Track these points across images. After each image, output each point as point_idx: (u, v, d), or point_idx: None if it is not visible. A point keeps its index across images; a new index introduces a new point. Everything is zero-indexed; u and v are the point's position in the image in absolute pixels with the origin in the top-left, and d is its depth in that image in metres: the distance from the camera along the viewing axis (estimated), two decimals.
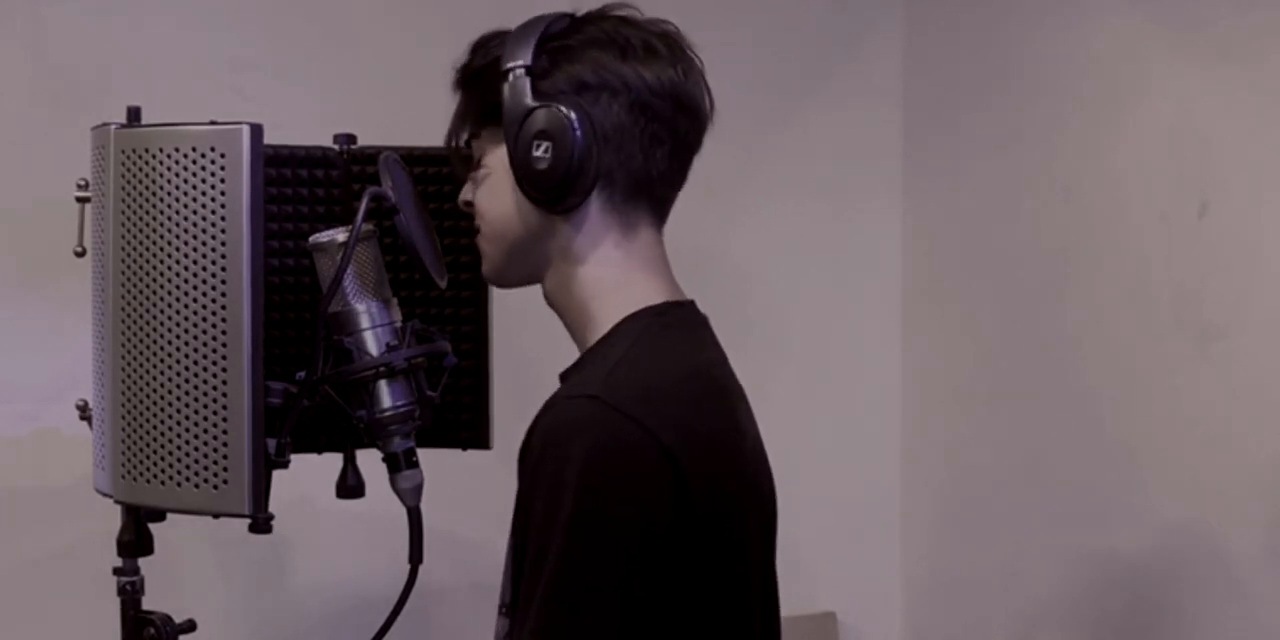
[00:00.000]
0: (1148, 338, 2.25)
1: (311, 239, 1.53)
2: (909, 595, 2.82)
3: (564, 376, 1.45)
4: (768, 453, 1.50)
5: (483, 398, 1.71)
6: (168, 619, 1.57)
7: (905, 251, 2.79)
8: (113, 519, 1.58)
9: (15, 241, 2.18)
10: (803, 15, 2.73)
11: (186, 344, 1.41)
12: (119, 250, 1.44)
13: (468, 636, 2.38)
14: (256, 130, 1.41)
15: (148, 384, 1.43)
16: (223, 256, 1.40)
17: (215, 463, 1.41)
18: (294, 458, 1.49)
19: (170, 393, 1.42)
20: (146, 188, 1.42)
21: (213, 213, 1.40)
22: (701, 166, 1.51)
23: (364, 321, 1.52)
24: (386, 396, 1.52)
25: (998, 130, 2.57)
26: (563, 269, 1.46)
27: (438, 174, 1.65)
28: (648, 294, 1.45)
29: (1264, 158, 2.05)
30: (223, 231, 1.40)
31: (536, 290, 1.51)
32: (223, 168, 1.40)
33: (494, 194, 1.47)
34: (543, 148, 1.38)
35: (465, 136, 1.51)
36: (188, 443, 1.42)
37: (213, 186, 1.40)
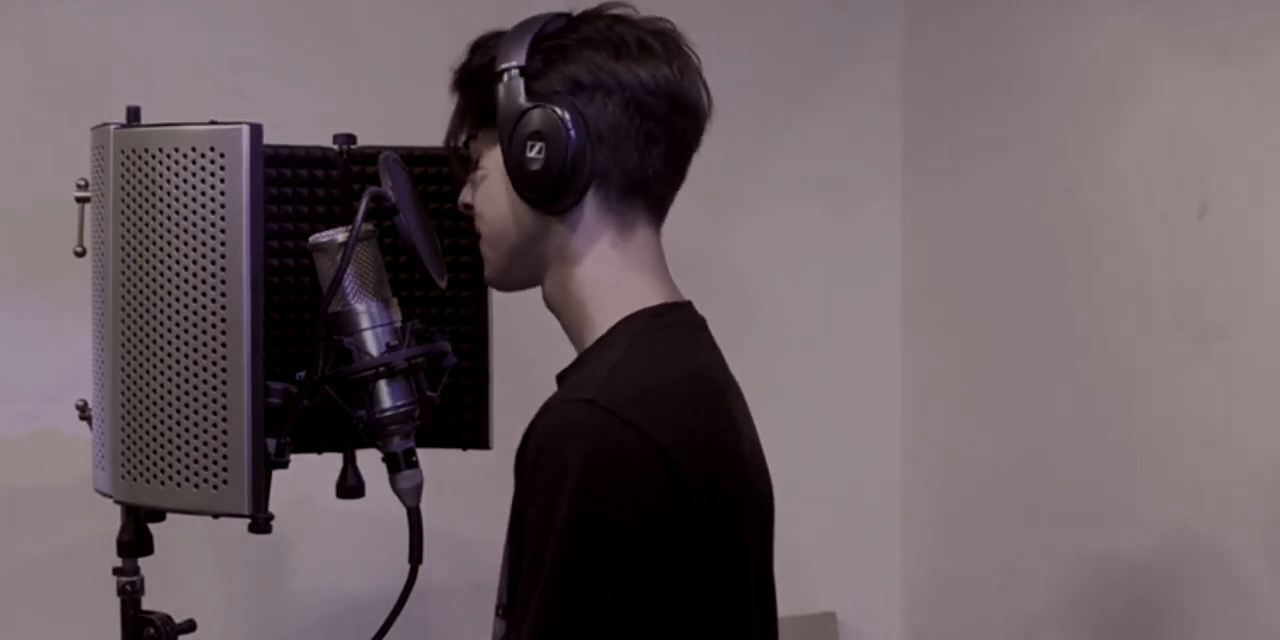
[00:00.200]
0: (1148, 338, 2.25)
1: (311, 239, 1.53)
2: (909, 595, 2.82)
3: (561, 378, 1.45)
4: (768, 453, 1.50)
5: (483, 398, 1.71)
6: (168, 619, 1.57)
7: (905, 251, 2.79)
8: (113, 519, 1.58)
9: (15, 241, 2.18)
10: (803, 15, 2.73)
11: (186, 344, 1.41)
12: (119, 250, 1.44)
13: (468, 636, 2.38)
14: (256, 130, 1.41)
15: (148, 384, 1.43)
16: (223, 256, 1.40)
17: (215, 463, 1.41)
18: (294, 458, 1.48)
19: (170, 393, 1.42)
20: (146, 188, 1.42)
21: (212, 213, 1.40)
22: (701, 166, 1.51)
23: (364, 321, 1.52)
24: (386, 396, 1.52)
25: (998, 130, 2.57)
26: (560, 270, 1.45)
27: (438, 174, 1.65)
28: (645, 295, 1.44)
29: (1264, 158, 2.05)
30: (223, 231, 1.40)
31: (536, 290, 1.51)
32: (222, 168, 1.40)
33: (491, 196, 1.47)
34: (536, 148, 1.38)
35: (463, 137, 1.51)
36: (187, 443, 1.42)
37: (212, 186, 1.40)
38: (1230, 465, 2.11)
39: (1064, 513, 2.43)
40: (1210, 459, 2.14)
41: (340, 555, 2.38)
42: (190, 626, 1.58)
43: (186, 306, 1.41)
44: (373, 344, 1.52)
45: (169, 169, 1.41)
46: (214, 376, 1.40)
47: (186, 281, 1.41)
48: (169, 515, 1.53)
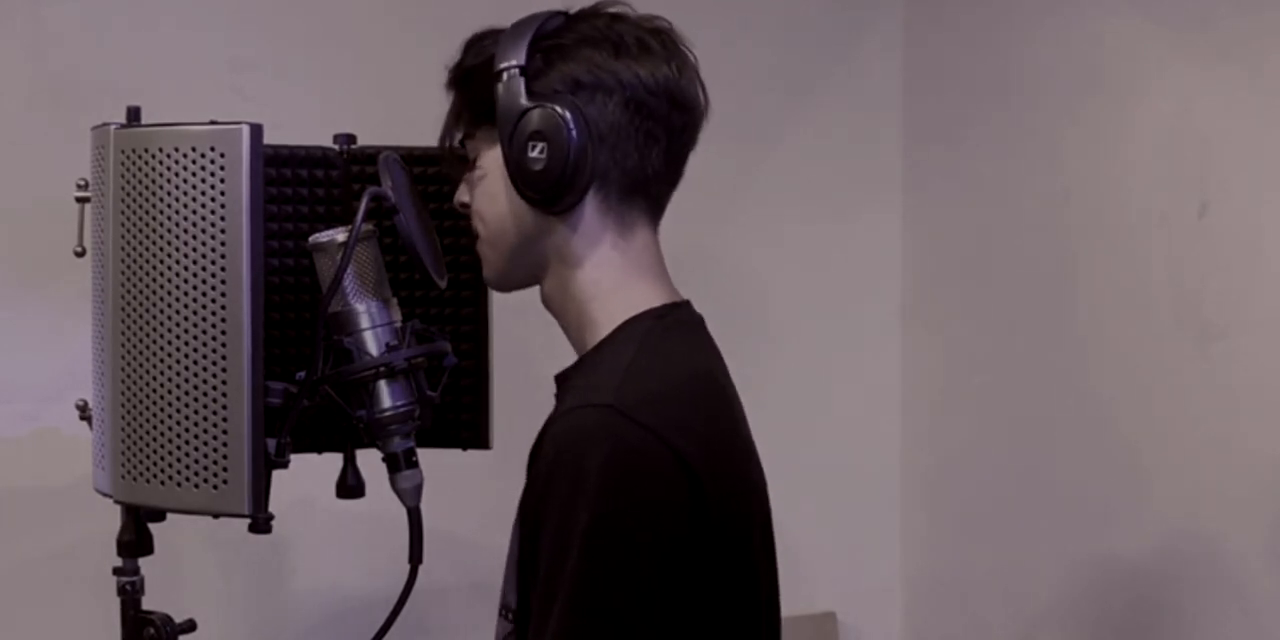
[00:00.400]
0: (1148, 338, 2.25)
1: (311, 239, 1.53)
2: (909, 595, 2.82)
3: (561, 378, 1.45)
4: (767, 453, 1.49)
5: (483, 398, 1.71)
6: (168, 619, 1.57)
7: (905, 252, 2.79)
8: (113, 519, 1.58)
9: (15, 241, 2.18)
10: (803, 15, 2.73)
11: (186, 344, 1.41)
12: (119, 250, 1.44)
13: (468, 636, 2.38)
14: (256, 130, 1.41)
15: (148, 384, 1.43)
16: (223, 256, 1.40)
17: (215, 463, 1.41)
18: (294, 458, 1.49)
19: (170, 393, 1.42)
20: (146, 188, 1.42)
21: (213, 213, 1.40)
22: (701, 167, 1.51)
23: (364, 321, 1.52)
24: (386, 396, 1.52)
25: (998, 130, 2.57)
26: (560, 271, 1.45)
27: (438, 174, 1.65)
28: (647, 296, 1.44)
29: (1264, 158, 2.05)
30: (223, 231, 1.40)
31: (535, 290, 1.51)
32: (223, 168, 1.40)
33: (490, 196, 1.47)
34: (538, 148, 1.38)
35: (459, 137, 1.50)
36: (187, 443, 1.42)
37: (212, 186, 1.40)
38: (1230, 465, 2.11)
39: (1064, 513, 2.43)
40: (1210, 459, 2.14)
41: (340, 555, 2.38)
42: (190, 626, 1.58)
43: (186, 306, 1.41)
44: (373, 344, 1.52)
45: (169, 169, 1.41)
46: (214, 376, 1.40)
47: (186, 281, 1.41)
48: (169, 515, 1.52)
